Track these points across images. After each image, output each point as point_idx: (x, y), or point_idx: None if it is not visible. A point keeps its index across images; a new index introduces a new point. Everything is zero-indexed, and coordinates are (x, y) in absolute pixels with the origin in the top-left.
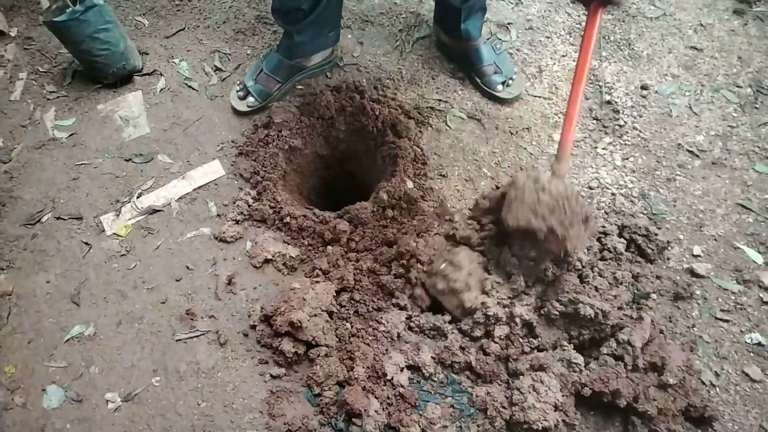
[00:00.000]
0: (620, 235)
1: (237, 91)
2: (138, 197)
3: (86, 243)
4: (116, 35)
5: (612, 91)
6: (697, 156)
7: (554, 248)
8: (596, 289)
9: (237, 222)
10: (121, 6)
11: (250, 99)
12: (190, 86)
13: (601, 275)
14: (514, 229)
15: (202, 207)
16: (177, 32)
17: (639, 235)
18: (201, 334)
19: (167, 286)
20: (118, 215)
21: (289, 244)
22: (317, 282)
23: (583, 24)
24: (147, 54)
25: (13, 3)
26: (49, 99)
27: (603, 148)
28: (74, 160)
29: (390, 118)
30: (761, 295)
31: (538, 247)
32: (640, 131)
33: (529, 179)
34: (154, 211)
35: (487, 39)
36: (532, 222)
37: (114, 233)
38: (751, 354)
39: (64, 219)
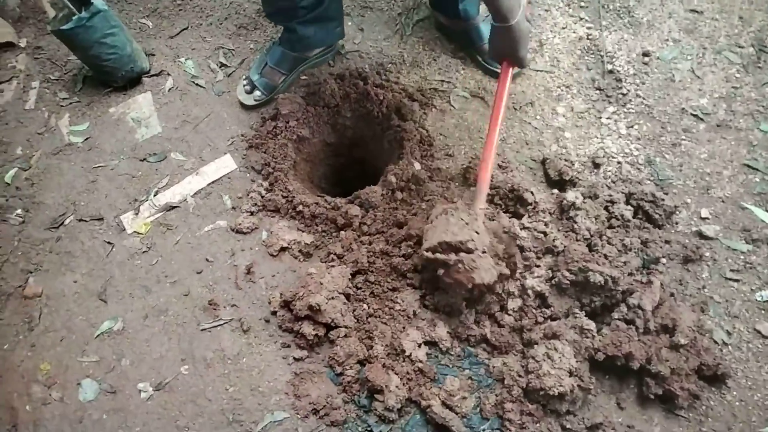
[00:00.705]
0: (627, 203)
1: (243, 86)
2: (155, 195)
3: (109, 242)
4: (123, 39)
5: (614, 60)
6: (702, 119)
7: (461, 278)
8: (605, 257)
9: (252, 213)
10: (124, 10)
11: (257, 93)
12: (197, 84)
13: (609, 243)
14: (429, 258)
15: (217, 201)
16: (181, 32)
17: (646, 201)
18: (224, 323)
19: (189, 279)
20: (137, 214)
21: (303, 231)
22: (333, 266)
23: None
24: (153, 55)
25: (20, 14)
26: (62, 105)
27: (607, 118)
28: (91, 163)
29: (394, 102)
30: None
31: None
32: (644, 98)
33: (443, 211)
34: (171, 207)
35: (486, 16)
36: (443, 238)
37: (134, 231)
38: (762, 311)
39: (86, 221)
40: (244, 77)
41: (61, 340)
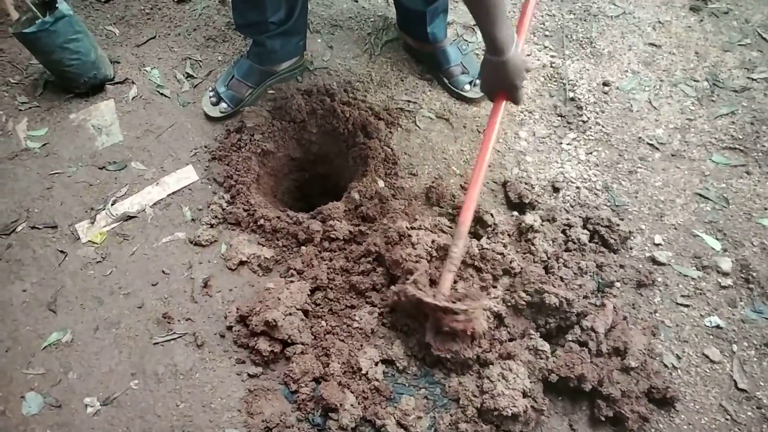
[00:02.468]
0: (584, 227)
1: (210, 97)
2: (112, 204)
3: (61, 251)
4: (87, 45)
5: (575, 88)
6: (657, 149)
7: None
8: (561, 279)
9: (212, 226)
10: (91, 16)
11: (223, 105)
12: (162, 93)
13: (566, 266)
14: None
15: (177, 212)
16: (148, 41)
17: (602, 226)
18: (178, 337)
19: (143, 291)
20: (92, 223)
21: (263, 245)
22: (292, 281)
23: (546, 24)
24: (118, 63)
25: None
26: (21, 110)
27: (567, 144)
28: (48, 169)
29: (360, 119)
30: (719, 279)
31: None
32: (603, 126)
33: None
34: (128, 217)
35: (453, 40)
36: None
37: (89, 240)
38: (711, 336)
39: (38, 228)
40: (210, 89)
41: (6, 351)
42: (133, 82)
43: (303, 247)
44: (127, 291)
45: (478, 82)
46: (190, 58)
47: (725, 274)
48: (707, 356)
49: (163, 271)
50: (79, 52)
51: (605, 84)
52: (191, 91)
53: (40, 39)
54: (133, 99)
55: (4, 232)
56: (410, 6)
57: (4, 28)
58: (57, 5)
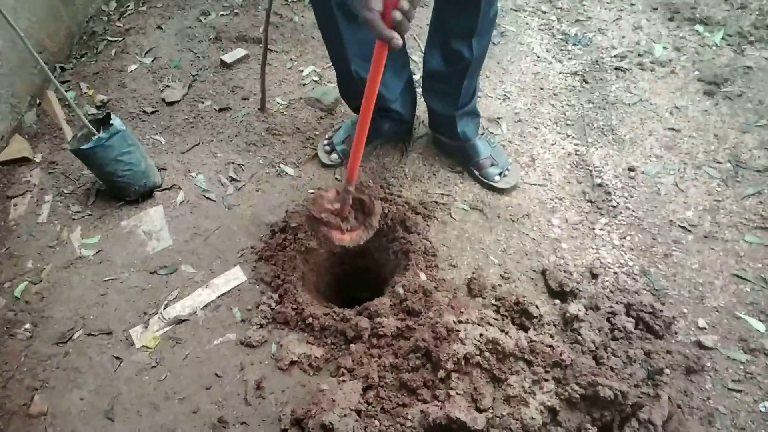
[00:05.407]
0: (628, 314)
1: (324, 145)
2: (165, 308)
3: (117, 357)
4: (138, 156)
5: (602, 174)
6: (689, 231)
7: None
8: (611, 369)
9: (261, 326)
10: (138, 127)
11: (335, 155)
12: (207, 197)
13: (615, 355)
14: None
15: (227, 313)
16: (192, 147)
17: (645, 312)
18: None
19: (198, 395)
20: (146, 327)
21: (312, 344)
22: (344, 381)
23: (567, 113)
24: (165, 170)
25: (37, 131)
26: (74, 219)
27: (600, 229)
28: (101, 276)
29: (398, 214)
30: None
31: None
32: (633, 210)
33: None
34: (180, 321)
35: (481, 134)
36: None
37: (143, 345)
38: (767, 422)
39: (94, 335)
40: (327, 137)
41: None
42: (179, 188)
43: (352, 345)
44: (181, 396)
45: (507, 172)
46: (232, 163)
47: None
48: None
49: (216, 374)
50: (131, 163)
51: (631, 169)
52: (235, 194)
53: (96, 154)
54: (180, 204)
55: (62, 340)
56: (441, 111)
57: (58, 142)
58: (111, 122)
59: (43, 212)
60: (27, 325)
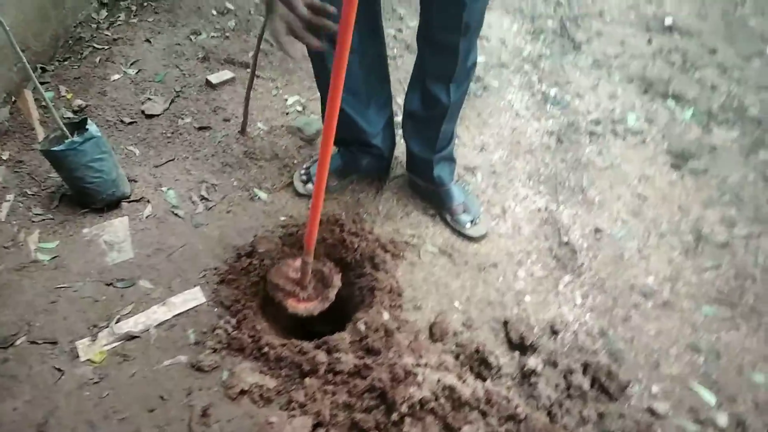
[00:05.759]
0: (584, 373)
1: (301, 175)
2: (116, 322)
3: (58, 369)
4: (110, 164)
5: (569, 232)
6: (649, 297)
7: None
8: (564, 427)
9: (215, 350)
10: (113, 135)
11: (310, 185)
12: (176, 214)
13: (569, 413)
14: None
15: (181, 334)
16: (166, 162)
17: (602, 373)
18: None
19: (139, 417)
20: (94, 340)
21: (266, 374)
22: (293, 416)
23: (540, 170)
24: (136, 181)
25: (8, 128)
26: (34, 221)
27: (564, 286)
28: (54, 282)
29: (368, 250)
30: None
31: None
32: (597, 271)
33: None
34: (131, 337)
35: (456, 181)
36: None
37: (89, 359)
38: None
39: (38, 343)
40: (303, 167)
41: None
42: (148, 201)
43: (307, 379)
44: (122, 416)
45: (478, 221)
46: (206, 182)
47: (722, 431)
48: None
49: (162, 397)
50: (102, 171)
51: (597, 230)
52: (205, 213)
53: (67, 157)
54: (147, 217)
55: (2, 345)
56: (418, 153)
57: (28, 142)
58: (87, 127)
59: (2, 211)
60: None
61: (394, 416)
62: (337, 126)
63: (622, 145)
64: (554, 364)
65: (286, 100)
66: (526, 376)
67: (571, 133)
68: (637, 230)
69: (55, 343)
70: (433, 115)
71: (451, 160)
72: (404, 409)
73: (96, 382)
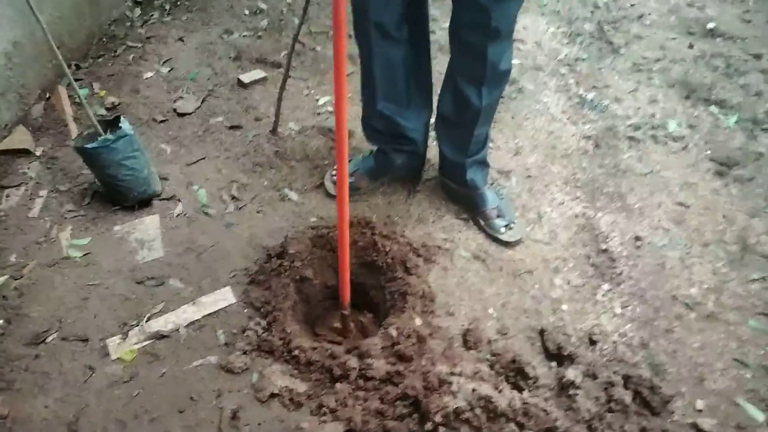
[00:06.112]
0: (626, 386)
1: (332, 175)
2: (147, 321)
3: (90, 367)
4: (142, 162)
5: (608, 240)
6: (692, 309)
7: None
8: None
9: (245, 352)
10: (145, 133)
11: None
12: (206, 213)
13: (610, 428)
14: None
15: (211, 335)
16: (197, 161)
17: (644, 387)
18: None
19: (169, 418)
20: (124, 339)
21: (296, 378)
22: (324, 422)
23: (577, 175)
24: (167, 179)
25: (41, 124)
26: (66, 218)
27: (602, 295)
28: (86, 279)
29: (400, 254)
30: None
31: None
32: (636, 281)
33: None
34: (161, 336)
35: (491, 185)
36: None
37: (119, 357)
38: None
39: (69, 340)
40: (334, 168)
41: None
42: (179, 200)
43: (338, 384)
44: (152, 416)
45: (513, 225)
46: (236, 181)
47: None
48: None
49: (192, 397)
50: (134, 168)
51: (637, 239)
52: (235, 213)
53: (101, 155)
54: (177, 216)
55: (34, 341)
56: (451, 157)
57: (61, 138)
58: (120, 125)
59: (35, 207)
60: (0, 321)
61: (428, 426)
62: (377, 119)
63: (663, 152)
64: (594, 376)
65: (318, 100)
66: (564, 388)
67: (610, 138)
68: (680, 239)
69: (86, 340)
70: (465, 118)
71: (485, 164)
72: (438, 418)
73: (126, 381)
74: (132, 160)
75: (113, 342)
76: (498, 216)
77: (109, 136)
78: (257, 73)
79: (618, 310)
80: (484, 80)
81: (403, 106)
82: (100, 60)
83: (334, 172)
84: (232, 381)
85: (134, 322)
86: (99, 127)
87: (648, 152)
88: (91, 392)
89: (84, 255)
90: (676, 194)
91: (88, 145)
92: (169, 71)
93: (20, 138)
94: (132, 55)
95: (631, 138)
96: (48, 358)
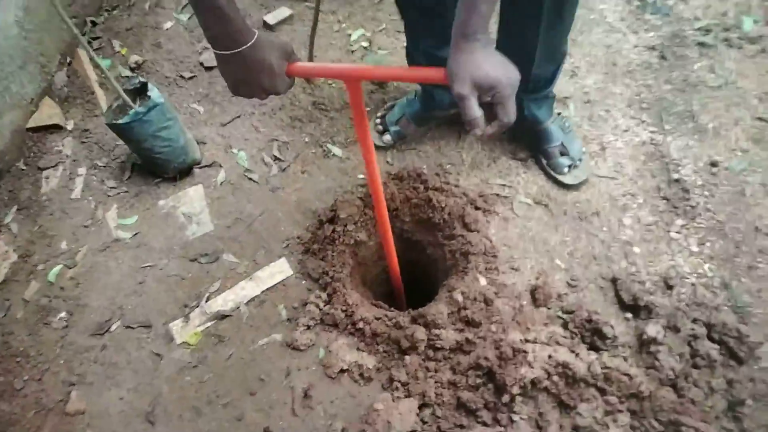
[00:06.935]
0: (710, 338)
1: (376, 124)
2: (206, 301)
3: (157, 354)
4: (176, 131)
5: (679, 168)
6: None
7: None
8: (692, 402)
9: (308, 327)
10: (174, 93)
11: (387, 137)
12: (250, 178)
13: (696, 385)
14: None
15: (272, 311)
16: (233, 120)
17: (730, 336)
18: None
19: (242, 401)
20: (187, 321)
21: (363, 351)
22: (399, 398)
23: (642, 95)
24: (204, 143)
25: (68, 94)
26: (109, 195)
27: (676, 232)
28: (139, 262)
29: (457, 209)
30: None
31: None
32: (714, 213)
33: None
34: (223, 316)
35: (557, 115)
36: None
37: (184, 342)
38: None
39: (132, 327)
40: (378, 116)
41: None
42: (220, 165)
43: (407, 357)
44: (225, 400)
45: (579, 164)
46: (276, 140)
47: None
48: None
49: (261, 378)
50: (170, 139)
51: (713, 164)
52: (280, 176)
53: (134, 129)
54: (221, 184)
55: (98, 331)
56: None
57: (90, 108)
58: (149, 93)
59: (76, 187)
60: (62, 314)
61: (505, 398)
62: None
63: (738, 57)
64: (675, 329)
65: (350, 35)
66: (644, 345)
67: (676, 47)
68: (761, 161)
69: (149, 326)
70: (520, 57)
71: (547, 97)
72: (515, 390)
73: (195, 366)
74: (166, 130)
75: (176, 326)
76: (562, 154)
77: (140, 108)
78: (283, 12)
79: (695, 248)
80: (540, 15)
81: (445, 41)
82: (114, 12)
83: (378, 120)
84: (299, 358)
85: (194, 303)
86: (128, 99)
87: (721, 60)
88: (162, 380)
89: (134, 235)
90: (756, 107)
91: (120, 121)
92: (189, 18)
93: (49, 112)
94: (147, 3)
95: (701, 44)
96: (115, 348)
